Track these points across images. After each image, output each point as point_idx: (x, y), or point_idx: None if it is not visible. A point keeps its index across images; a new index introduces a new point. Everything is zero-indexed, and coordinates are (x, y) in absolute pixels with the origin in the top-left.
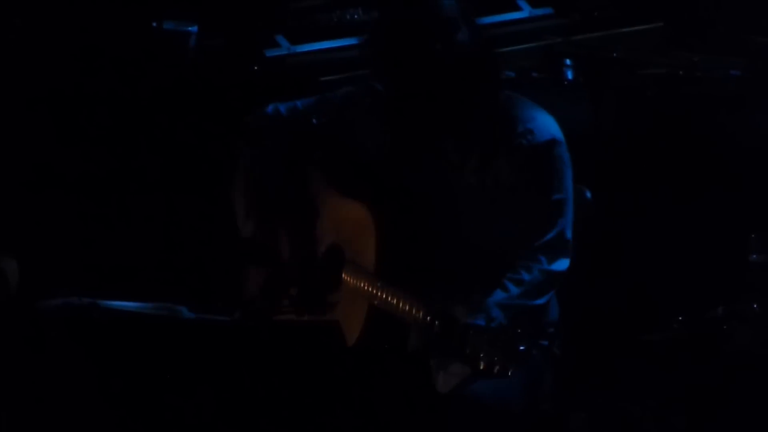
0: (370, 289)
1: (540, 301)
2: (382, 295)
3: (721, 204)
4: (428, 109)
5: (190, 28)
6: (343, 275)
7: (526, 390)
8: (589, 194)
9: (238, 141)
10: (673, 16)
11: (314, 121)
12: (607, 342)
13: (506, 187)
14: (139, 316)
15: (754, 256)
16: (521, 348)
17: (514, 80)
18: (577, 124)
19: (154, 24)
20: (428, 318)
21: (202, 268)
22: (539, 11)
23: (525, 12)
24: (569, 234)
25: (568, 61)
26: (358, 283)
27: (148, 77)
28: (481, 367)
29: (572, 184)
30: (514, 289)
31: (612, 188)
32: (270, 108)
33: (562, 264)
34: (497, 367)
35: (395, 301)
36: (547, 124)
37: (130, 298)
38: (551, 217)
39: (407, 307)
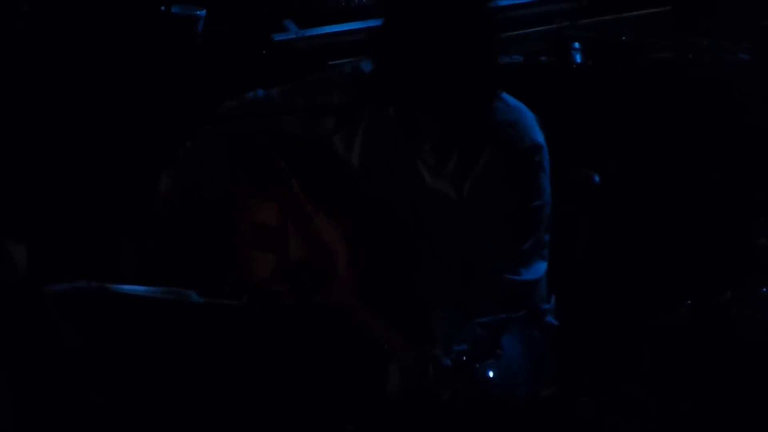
0: (351, 311)
1: (522, 312)
2: (363, 321)
3: (728, 188)
4: (416, 97)
5: (198, 12)
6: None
7: (531, 374)
8: (597, 178)
9: (205, 126)
10: None
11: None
12: (614, 326)
13: (484, 194)
14: (148, 301)
15: (762, 240)
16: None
17: (522, 64)
18: (585, 109)
19: (162, 8)
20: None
21: (212, 252)
22: None
23: None
24: (547, 236)
25: (576, 45)
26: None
27: (156, 62)
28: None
29: (549, 186)
30: (496, 308)
31: (619, 172)
32: (251, 94)
33: (540, 269)
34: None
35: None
36: (528, 128)
37: (139, 282)
38: (530, 224)
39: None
